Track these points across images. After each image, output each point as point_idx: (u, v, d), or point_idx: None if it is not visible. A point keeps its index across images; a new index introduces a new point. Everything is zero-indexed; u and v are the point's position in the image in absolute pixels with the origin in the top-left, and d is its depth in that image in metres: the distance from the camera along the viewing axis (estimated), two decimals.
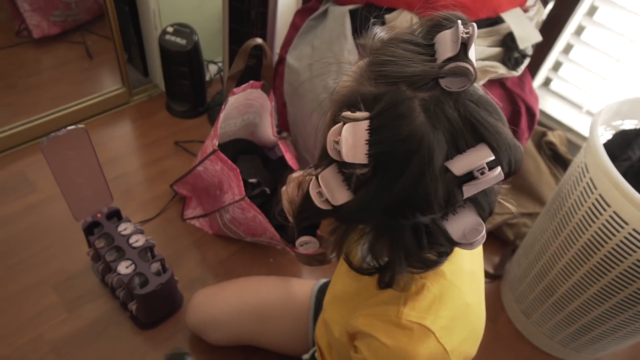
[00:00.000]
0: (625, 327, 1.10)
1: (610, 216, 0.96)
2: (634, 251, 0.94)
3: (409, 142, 0.43)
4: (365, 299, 0.65)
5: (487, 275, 1.43)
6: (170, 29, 1.51)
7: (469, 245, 0.49)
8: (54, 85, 1.66)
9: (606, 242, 0.99)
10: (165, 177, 1.48)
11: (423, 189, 0.45)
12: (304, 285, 1.12)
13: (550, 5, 1.29)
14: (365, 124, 0.44)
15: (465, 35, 0.43)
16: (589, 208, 1.01)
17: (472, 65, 0.43)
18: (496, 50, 1.20)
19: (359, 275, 0.60)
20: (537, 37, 1.21)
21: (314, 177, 0.51)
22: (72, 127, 1.01)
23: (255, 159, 1.38)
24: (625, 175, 0.95)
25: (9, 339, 1.09)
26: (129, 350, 1.12)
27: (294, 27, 1.36)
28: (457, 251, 0.61)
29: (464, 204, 0.49)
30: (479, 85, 0.48)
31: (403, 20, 1.13)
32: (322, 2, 1.32)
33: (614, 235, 0.97)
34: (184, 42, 1.50)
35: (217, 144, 1.17)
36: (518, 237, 1.47)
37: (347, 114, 0.45)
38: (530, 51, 1.24)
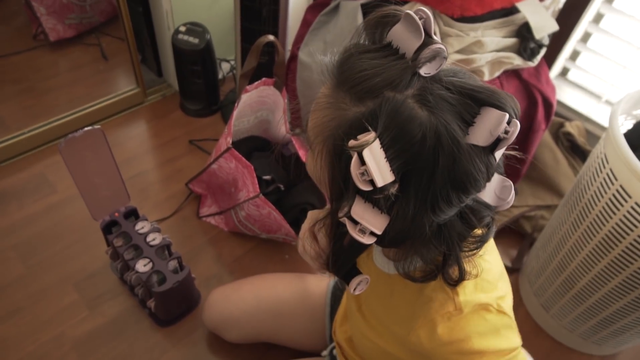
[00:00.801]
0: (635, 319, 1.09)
1: (632, 207, 0.95)
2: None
3: (427, 139, 0.43)
4: (403, 309, 0.65)
5: (505, 269, 1.42)
6: (182, 28, 1.51)
7: (504, 203, 0.49)
8: (70, 87, 1.68)
9: (628, 234, 0.97)
10: (181, 176, 1.49)
11: (463, 172, 0.44)
12: (319, 282, 1.13)
13: None
14: (377, 143, 0.43)
15: (423, 19, 0.43)
16: (610, 199, 1.00)
17: (441, 43, 0.43)
18: (512, 40, 1.19)
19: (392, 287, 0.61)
20: (554, 27, 1.19)
21: (346, 220, 0.48)
22: (89, 128, 1.02)
23: (268, 156, 1.38)
24: None
25: (32, 337, 1.11)
26: (148, 347, 1.13)
27: (306, 24, 1.36)
28: None
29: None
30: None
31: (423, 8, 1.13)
32: None
33: (635, 226, 0.95)
34: (196, 41, 1.50)
35: (230, 141, 1.17)
36: (536, 229, 1.45)
37: (354, 142, 0.43)
38: (546, 41, 1.23)
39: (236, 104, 1.22)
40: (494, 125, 0.43)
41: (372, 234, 0.47)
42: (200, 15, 1.62)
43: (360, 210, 0.47)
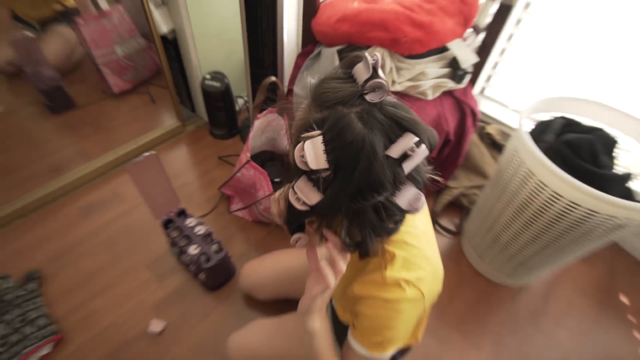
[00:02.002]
0: (546, 259, 1.12)
1: (536, 183, 0.97)
2: (552, 206, 0.95)
3: (355, 143, 0.43)
4: (355, 273, 0.63)
5: (450, 232, 1.43)
6: (208, 76, 1.52)
7: (414, 210, 0.48)
8: (130, 125, 1.68)
9: (533, 201, 0.99)
10: (214, 183, 1.50)
11: (375, 174, 0.44)
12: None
13: (481, 35, 1.28)
14: (320, 138, 0.44)
15: (372, 61, 0.44)
16: (521, 179, 1.02)
17: (384, 80, 0.44)
18: (445, 70, 1.20)
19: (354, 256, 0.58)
20: (474, 59, 1.21)
21: (291, 188, 0.49)
22: (147, 153, 1.03)
23: (277, 164, 1.40)
24: (545, 153, 0.95)
25: (121, 304, 1.13)
26: (203, 305, 1.15)
27: (297, 66, 1.37)
28: (411, 219, 0.60)
29: (405, 181, 0.48)
30: (392, 96, 0.48)
31: (377, 53, 1.14)
32: (315, 46, 1.33)
33: (538, 196, 0.97)
34: (218, 84, 1.51)
35: (249, 156, 1.19)
36: (471, 203, 1.47)
37: (305, 134, 0.45)
38: (470, 69, 1.24)
39: (251, 128, 1.24)
40: (405, 144, 0.44)
41: (305, 204, 0.48)
42: (219, 65, 1.63)
43: (301, 185, 0.47)
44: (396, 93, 1.17)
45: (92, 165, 1.46)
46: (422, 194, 0.47)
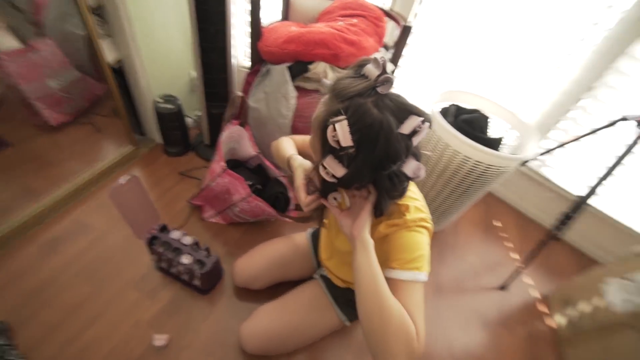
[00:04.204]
0: (457, 206, 1.28)
1: (452, 151, 1.10)
2: (464, 166, 1.10)
3: (374, 125, 0.47)
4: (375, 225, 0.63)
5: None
6: (160, 100, 1.39)
7: (417, 177, 0.53)
8: (78, 156, 1.42)
9: (451, 165, 1.13)
10: (180, 198, 1.38)
11: (393, 147, 0.48)
12: (300, 235, 1.12)
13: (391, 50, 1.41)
14: (345, 122, 0.47)
15: (382, 61, 0.49)
16: (440, 150, 1.15)
17: (390, 74, 0.48)
18: None
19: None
20: (393, 66, 1.34)
21: (321, 166, 0.52)
22: (127, 176, 0.92)
23: (243, 170, 1.35)
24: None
25: (117, 328, 0.98)
26: (201, 309, 1.06)
27: (247, 83, 1.34)
28: (409, 183, 0.65)
29: (409, 156, 0.52)
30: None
31: (319, 68, 1.18)
32: (261, 65, 1.31)
33: (454, 160, 1.12)
34: (172, 106, 1.39)
35: (224, 165, 1.13)
36: None
37: (333, 119, 0.48)
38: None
39: (220, 140, 1.17)
40: (413, 122, 0.48)
41: (333, 176, 0.51)
42: (167, 88, 1.49)
43: (330, 162, 0.51)
44: None
45: (45, 202, 1.21)
46: (422, 165, 0.52)
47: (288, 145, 0.80)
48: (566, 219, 1.18)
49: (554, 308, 1.27)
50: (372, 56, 0.51)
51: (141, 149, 1.54)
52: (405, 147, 0.50)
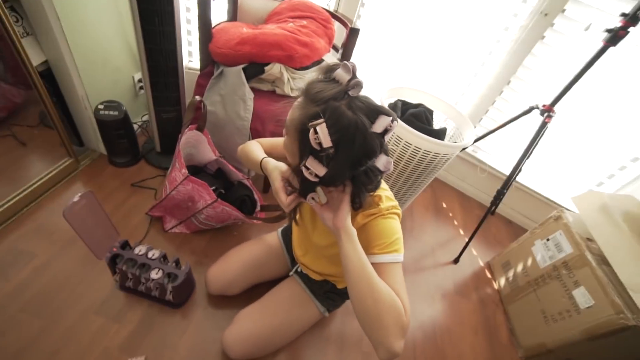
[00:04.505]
0: (411, 193, 1.40)
1: (404, 143, 1.19)
2: (415, 156, 1.20)
3: (351, 126, 0.51)
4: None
5: None
6: (101, 106, 1.27)
7: (388, 170, 0.57)
8: (3, 174, 1.23)
9: (404, 156, 1.22)
10: (135, 210, 1.29)
11: (369, 145, 0.53)
12: (271, 235, 1.13)
13: (340, 51, 1.48)
14: (324, 124, 0.50)
15: (352, 66, 0.53)
16: (393, 142, 1.23)
17: (359, 79, 0.52)
18: None
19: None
20: None
21: (303, 167, 0.54)
22: (82, 192, 0.84)
23: (204, 175, 1.30)
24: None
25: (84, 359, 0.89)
26: (176, 323, 1.02)
27: (199, 86, 1.30)
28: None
29: (381, 152, 0.56)
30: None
31: (275, 69, 1.20)
32: (214, 67, 1.28)
33: (406, 151, 1.21)
34: (116, 113, 1.28)
35: (186, 172, 1.08)
36: None
37: (313, 122, 0.50)
38: None
39: (178, 147, 1.12)
40: (385, 123, 0.52)
41: (316, 176, 0.54)
42: (107, 94, 1.37)
43: (311, 162, 0.53)
44: (295, 97, 1.26)
45: None
46: (390, 158, 0.58)
47: (257, 149, 0.81)
48: (499, 195, 1.38)
49: (496, 272, 1.48)
50: (338, 63, 0.55)
51: (82, 162, 1.39)
52: (379, 144, 0.55)
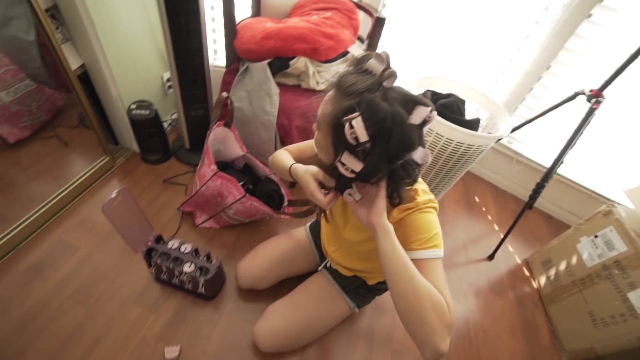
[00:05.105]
0: (443, 185, 1.35)
1: (435, 135, 1.16)
2: (447, 148, 1.17)
3: (387, 118, 0.49)
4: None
5: None
6: (133, 106, 1.33)
7: (426, 163, 0.55)
8: (45, 174, 1.32)
9: (435, 147, 1.19)
10: (168, 206, 1.34)
11: (407, 137, 0.51)
12: (299, 230, 1.13)
13: (366, 42, 1.46)
14: (359, 118, 0.48)
15: (385, 56, 0.51)
16: (426, 133, 1.19)
17: (394, 69, 0.50)
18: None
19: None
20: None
21: (339, 163, 0.53)
22: (118, 189, 0.88)
23: (232, 171, 1.33)
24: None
25: (123, 348, 0.94)
26: (209, 316, 1.05)
27: (225, 82, 1.33)
28: None
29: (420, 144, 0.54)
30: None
31: (300, 63, 1.20)
32: (239, 64, 1.30)
33: (438, 143, 1.17)
34: (147, 112, 1.34)
35: (215, 168, 1.11)
36: None
37: (349, 116, 0.49)
38: None
39: (207, 144, 1.15)
40: (423, 114, 0.50)
41: (352, 172, 0.53)
42: (139, 94, 1.43)
43: (347, 158, 0.52)
44: (322, 91, 1.26)
45: (17, 226, 1.12)
46: (428, 150, 0.56)
47: (285, 157, 0.82)
48: (539, 188, 1.30)
49: (535, 271, 1.41)
50: (368, 53, 0.53)
51: (118, 160, 1.47)
52: (418, 137, 0.53)
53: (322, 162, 0.63)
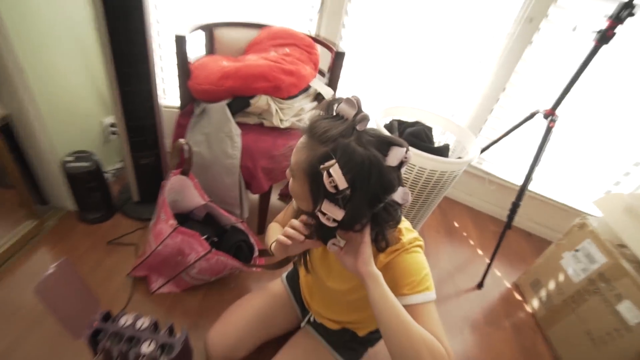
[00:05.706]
0: (421, 215, 1.40)
1: (408, 165, 1.19)
2: (421, 176, 1.21)
3: (364, 162, 0.50)
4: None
5: None
6: (70, 158, 1.22)
7: (406, 202, 0.57)
8: None
9: (409, 178, 1.23)
10: (116, 271, 1.20)
11: (387, 180, 0.52)
12: (275, 283, 1.07)
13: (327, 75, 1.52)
14: (337, 165, 0.50)
15: (355, 100, 0.53)
16: None
17: (365, 112, 0.52)
18: (314, 103, 1.36)
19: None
20: (332, 91, 1.42)
21: (319, 213, 0.53)
22: (56, 262, 0.77)
23: (192, 223, 1.25)
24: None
25: None
26: None
27: (180, 126, 1.28)
28: None
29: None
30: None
31: (262, 101, 1.19)
32: (194, 105, 1.27)
33: (411, 172, 1.22)
34: (87, 164, 1.23)
35: (174, 223, 1.03)
36: None
37: (325, 164, 0.50)
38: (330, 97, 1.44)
39: (164, 197, 1.07)
40: (400, 154, 0.52)
41: (334, 220, 0.53)
42: (76, 144, 1.32)
43: (327, 207, 0.53)
44: (286, 129, 1.26)
45: None
46: (407, 189, 0.57)
47: (271, 234, 0.86)
48: (515, 208, 1.38)
49: (526, 293, 1.45)
50: (337, 98, 0.55)
51: (48, 222, 1.31)
52: (397, 177, 0.54)
53: (302, 212, 0.62)
